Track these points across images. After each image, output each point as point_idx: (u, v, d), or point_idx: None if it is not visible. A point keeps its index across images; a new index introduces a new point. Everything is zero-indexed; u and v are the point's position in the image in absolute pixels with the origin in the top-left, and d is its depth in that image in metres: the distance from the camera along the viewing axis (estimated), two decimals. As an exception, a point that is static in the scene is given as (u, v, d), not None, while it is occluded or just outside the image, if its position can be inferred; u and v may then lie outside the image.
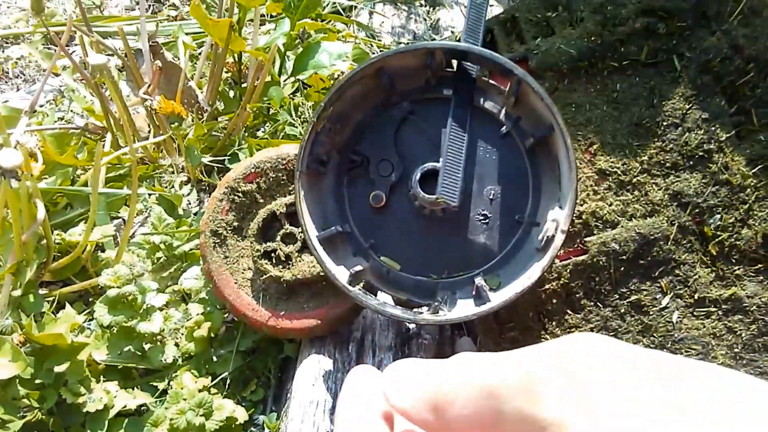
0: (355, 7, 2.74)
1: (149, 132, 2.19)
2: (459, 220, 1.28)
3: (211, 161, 2.04)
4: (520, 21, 1.37)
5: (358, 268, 1.24)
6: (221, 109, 2.26)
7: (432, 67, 1.22)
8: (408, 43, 2.45)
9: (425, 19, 2.69)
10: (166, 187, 2.05)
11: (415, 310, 1.23)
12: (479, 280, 1.22)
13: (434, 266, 1.30)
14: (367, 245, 1.31)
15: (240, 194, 1.51)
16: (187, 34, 2.45)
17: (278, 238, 1.51)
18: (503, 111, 1.26)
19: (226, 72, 2.46)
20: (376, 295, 1.27)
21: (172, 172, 2.10)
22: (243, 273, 1.52)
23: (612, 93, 1.30)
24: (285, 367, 1.70)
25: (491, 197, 1.26)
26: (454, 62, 1.27)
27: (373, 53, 2.52)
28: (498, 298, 1.16)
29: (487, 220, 1.27)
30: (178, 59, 2.37)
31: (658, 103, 1.28)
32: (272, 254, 1.51)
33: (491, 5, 2.79)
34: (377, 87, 1.27)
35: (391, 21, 2.66)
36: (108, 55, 2.10)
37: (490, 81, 1.27)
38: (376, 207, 1.29)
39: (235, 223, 1.52)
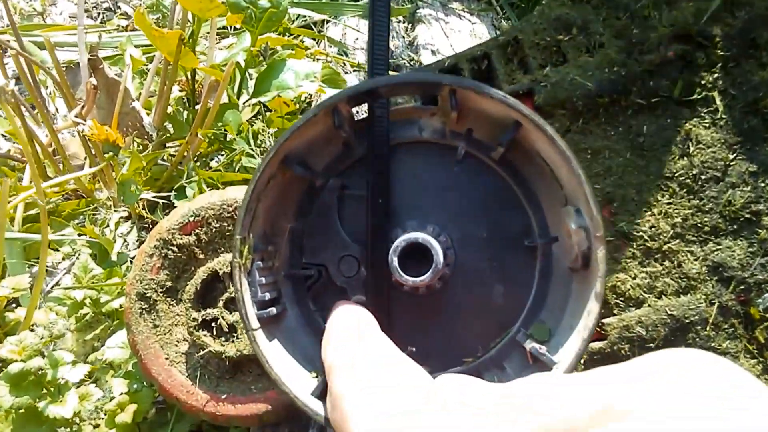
0: (327, 21, 2.48)
1: (85, 160, 1.91)
2: (466, 281, 1.02)
3: (155, 196, 1.76)
4: (524, 45, 1.11)
5: None
6: (171, 134, 1.98)
7: (343, 127, 0.97)
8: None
9: (403, 37, 2.44)
10: (102, 226, 1.77)
11: None
12: (525, 340, 0.96)
13: (463, 348, 1.04)
14: None
15: (175, 248, 1.24)
16: (137, 46, 2.18)
17: (220, 303, 1.24)
18: (448, 132, 1.02)
19: (180, 91, 2.19)
20: None
21: (110, 208, 1.81)
22: (176, 346, 1.24)
23: (637, 137, 1.05)
24: (231, 452, 1.43)
25: (485, 235, 1.02)
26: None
27: (346, 72, 2.27)
28: (565, 355, 0.89)
29: (494, 264, 1.02)
30: (124, 75, 2.09)
31: (695, 152, 1.04)
32: (212, 324, 1.24)
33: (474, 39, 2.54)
34: (291, 180, 1.02)
35: (366, 37, 2.40)
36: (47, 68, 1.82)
37: (414, 106, 1.03)
38: None
39: (168, 284, 1.25)
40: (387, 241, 1.01)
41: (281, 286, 1.05)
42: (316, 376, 1.00)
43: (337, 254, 1.04)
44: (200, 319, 1.23)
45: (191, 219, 1.24)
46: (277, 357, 0.95)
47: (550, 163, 0.94)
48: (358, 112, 1.40)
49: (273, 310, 0.97)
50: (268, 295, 0.97)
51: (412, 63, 2.31)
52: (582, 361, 1.01)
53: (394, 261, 0.92)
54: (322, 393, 0.95)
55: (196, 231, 1.24)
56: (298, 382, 0.94)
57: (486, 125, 0.99)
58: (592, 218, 0.85)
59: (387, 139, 1.02)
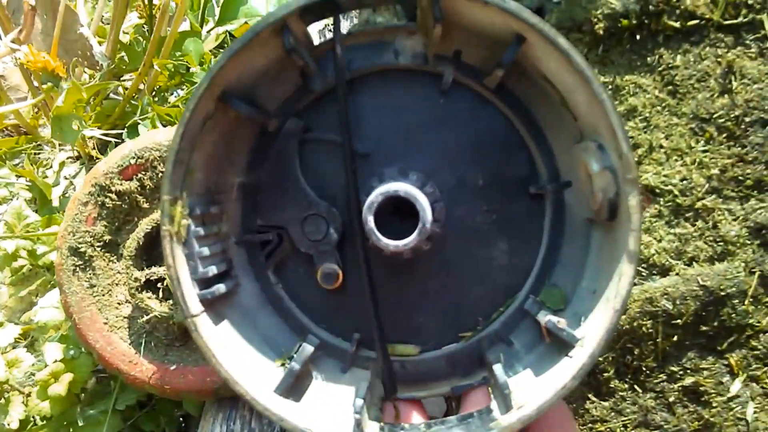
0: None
1: (28, 92, 1.69)
2: (460, 240, 0.85)
3: (105, 134, 1.55)
4: (535, -49, 0.91)
5: (363, 394, 0.78)
6: (127, 64, 1.76)
7: (297, 51, 0.75)
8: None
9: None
10: (45, 167, 1.57)
11: (475, 414, 0.77)
12: (535, 309, 0.80)
13: (460, 320, 0.87)
14: (354, 347, 0.86)
15: (114, 196, 1.05)
16: (90, -36, 1.94)
17: (168, 261, 1.05)
18: (430, 56, 0.83)
19: (139, 18, 1.97)
20: (400, 417, 0.83)
21: (55, 147, 1.61)
22: (117, 308, 1.06)
23: (669, 70, 0.87)
24: (188, 424, 1.27)
25: (482, 182, 0.85)
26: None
27: None
28: (590, 330, 0.71)
29: (494, 216, 0.85)
30: (74, -3, 1.85)
31: (738, 88, 0.85)
32: (158, 284, 1.06)
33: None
34: (237, 122, 0.81)
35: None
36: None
37: (387, 25, 0.83)
38: (333, 289, 0.84)
39: (107, 237, 1.06)
40: (358, 197, 0.82)
41: (232, 256, 0.85)
42: (282, 364, 0.82)
43: (300, 213, 0.84)
44: (143, 279, 1.04)
45: (133, 162, 1.04)
46: (228, 347, 0.76)
47: (561, 88, 0.75)
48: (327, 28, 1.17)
49: (221, 287, 0.78)
50: (214, 269, 0.78)
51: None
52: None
53: (370, 221, 0.73)
54: (289, 388, 0.77)
55: (139, 175, 1.05)
56: (256, 378, 0.76)
57: (479, 44, 0.79)
58: (621, 156, 0.66)
59: (342, 65, 0.82)
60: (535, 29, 0.68)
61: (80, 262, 1.05)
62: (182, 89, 1.71)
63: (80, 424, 1.14)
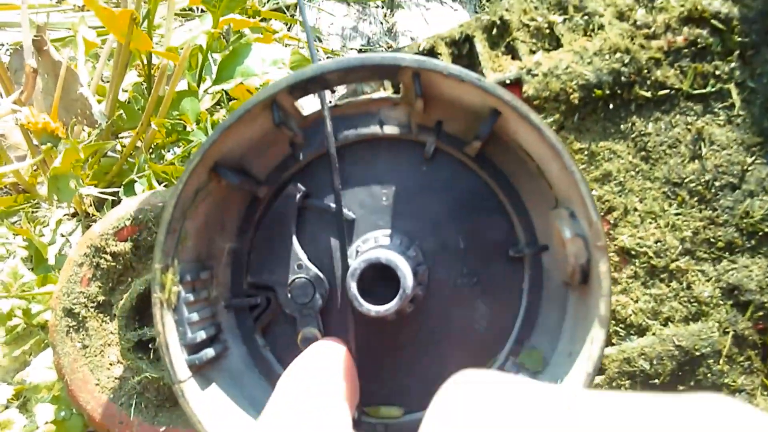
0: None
1: (27, 151, 1.73)
2: (442, 301, 0.87)
3: (102, 192, 1.59)
4: (511, 26, 0.96)
5: None
6: (125, 123, 1.80)
7: (287, 124, 0.80)
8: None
9: (381, 22, 2.28)
10: (42, 225, 1.59)
11: None
12: (515, 371, 0.84)
13: (443, 381, 0.87)
14: None
15: (109, 257, 1.07)
16: (92, 27, 2.00)
17: (160, 322, 1.08)
18: (414, 126, 0.87)
19: (139, 77, 2.02)
20: None
21: (52, 204, 1.64)
22: (108, 369, 1.08)
23: (641, 137, 0.90)
24: (178, 483, 1.27)
25: (463, 245, 0.88)
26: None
27: (319, 59, 2.10)
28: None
29: (475, 279, 0.88)
30: (75, 59, 1.91)
31: (708, 154, 0.89)
32: (150, 345, 1.08)
33: (455, 9, 2.41)
34: (228, 189, 0.85)
35: (342, 22, 2.24)
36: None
37: (372, 97, 0.88)
38: None
39: (101, 298, 1.08)
40: (344, 260, 0.85)
41: (221, 320, 0.88)
42: None
43: (288, 276, 0.88)
44: (135, 340, 1.06)
45: (128, 223, 1.07)
46: (214, 412, 0.78)
47: (536, 158, 0.79)
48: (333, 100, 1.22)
49: (209, 351, 0.80)
50: (203, 334, 0.80)
51: (389, 50, 2.15)
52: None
53: (353, 288, 0.76)
54: None
55: (134, 237, 1.08)
56: None
57: (459, 116, 0.83)
58: (591, 224, 0.70)
59: (331, 140, 0.86)
60: (508, 105, 0.72)
61: (74, 323, 1.07)
62: (179, 147, 1.75)
63: (71, 485, 1.15)
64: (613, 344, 0.90)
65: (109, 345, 1.09)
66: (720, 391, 0.88)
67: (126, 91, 1.93)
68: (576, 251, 0.73)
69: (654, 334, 0.89)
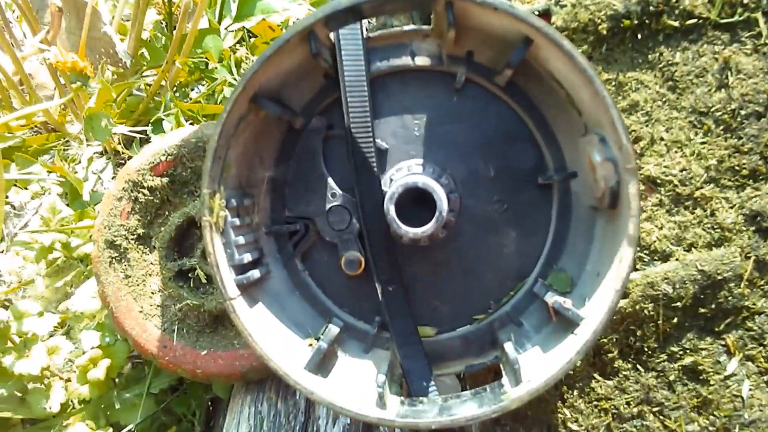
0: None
1: (55, 90, 1.76)
2: (473, 227, 0.92)
3: (131, 130, 1.62)
4: (541, -43, 0.96)
5: (384, 371, 0.85)
6: (148, 61, 1.82)
7: (322, 55, 0.83)
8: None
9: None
10: (74, 163, 1.63)
11: (487, 388, 0.84)
12: (544, 292, 0.87)
13: (474, 302, 0.94)
14: (375, 329, 0.94)
15: (146, 191, 1.12)
16: (110, -36, 2.00)
17: (198, 252, 1.13)
18: (444, 57, 0.89)
19: (158, 14, 2.02)
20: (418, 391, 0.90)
21: (82, 142, 1.68)
22: (151, 297, 1.14)
23: (669, 67, 0.92)
24: (216, 408, 1.34)
25: (493, 173, 0.92)
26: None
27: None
28: (593, 309, 0.78)
29: (505, 206, 0.92)
30: (96, -4, 1.92)
31: (734, 83, 0.91)
32: (189, 274, 1.13)
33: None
34: (267, 121, 0.88)
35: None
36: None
37: (404, 29, 0.90)
38: (355, 275, 0.91)
39: (140, 231, 1.13)
40: (378, 188, 0.88)
41: (263, 245, 0.93)
42: (310, 344, 0.89)
43: (324, 205, 0.92)
44: (176, 270, 1.12)
45: (163, 158, 1.11)
46: (262, 328, 0.84)
47: (566, 85, 0.81)
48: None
49: (255, 273, 0.86)
50: (248, 257, 0.85)
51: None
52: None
53: (391, 211, 0.80)
54: (317, 365, 0.85)
55: (170, 171, 1.12)
56: (288, 356, 0.84)
57: (490, 45, 0.86)
58: (621, 147, 0.73)
59: (364, 64, 0.88)
60: (540, 32, 0.74)
61: (116, 254, 1.12)
62: (203, 85, 1.77)
63: (117, 407, 1.22)
64: (637, 269, 0.94)
65: (150, 275, 1.14)
66: (740, 313, 0.92)
67: (147, 30, 1.94)
68: (606, 174, 0.76)
69: (677, 259, 0.93)
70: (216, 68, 1.67)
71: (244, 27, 1.78)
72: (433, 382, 0.87)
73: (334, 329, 0.90)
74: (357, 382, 0.85)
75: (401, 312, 0.89)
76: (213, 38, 1.67)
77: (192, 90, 1.81)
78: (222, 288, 0.80)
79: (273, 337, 0.84)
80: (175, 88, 1.72)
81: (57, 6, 1.58)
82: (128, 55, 1.73)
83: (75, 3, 1.73)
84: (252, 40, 1.81)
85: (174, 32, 1.71)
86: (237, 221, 0.84)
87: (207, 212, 0.79)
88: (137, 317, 1.12)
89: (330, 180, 0.91)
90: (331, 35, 0.87)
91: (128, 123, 1.66)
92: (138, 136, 1.62)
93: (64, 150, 1.67)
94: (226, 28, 1.80)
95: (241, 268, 0.85)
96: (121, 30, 1.86)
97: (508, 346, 0.82)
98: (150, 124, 1.58)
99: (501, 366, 0.86)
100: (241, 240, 0.84)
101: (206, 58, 1.67)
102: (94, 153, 1.70)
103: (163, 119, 1.58)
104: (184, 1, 1.72)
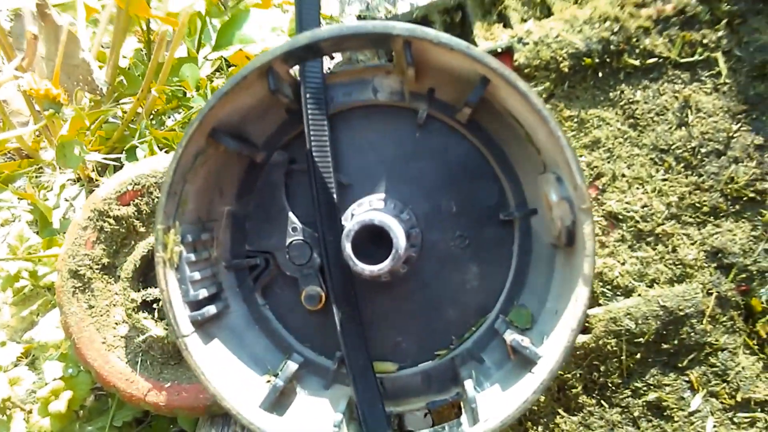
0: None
1: (30, 117, 1.75)
2: (435, 263, 0.92)
3: (105, 158, 1.61)
4: (504, -5, 0.98)
5: (342, 409, 0.85)
6: (125, 89, 1.82)
7: (282, 91, 0.83)
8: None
9: (383, -15, 2.27)
10: (46, 190, 1.63)
11: (446, 426, 0.83)
12: (504, 328, 0.87)
13: (436, 338, 0.94)
14: (336, 365, 0.94)
15: (112, 220, 1.11)
16: (91, -8, 2.00)
17: (163, 283, 1.12)
18: (406, 93, 0.90)
19: (138, 43, 2.03)
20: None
21: (56, 169, 1.67)
22: (114, 328, 1.13)
23: (630, 104, 0.94)
24: (182, 440, 1.32)
25: (456, 209, 0.92)
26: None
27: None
28: (550, 348, 0.78)
29: (467, 241, 0.92)
30: (76, 24, 1.93)
31: (694, 121, 0.92)
32: (154, 305, 1.12)
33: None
34: (227, 155, 0.88)
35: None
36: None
37: (367, 65, 0.91)
38: (316, 309, 0.91)
39: (105, 260, 1.12)
40: (339, 223, 0.89)
41: (222, 279, 0.92)
42: (268, 381, 0.88)
43: (285, 239, 0.91)
44: (140, 300, 1.11)
45: (130, 188, 1.11)
46: (217, 365, 0.83)
47: (524, 124, 0.82)
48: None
49: (211, 308, 0.85)
50: (205, 292, 0.85)
51: (388, 16, 2.15)
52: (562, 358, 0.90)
53: (347, 248, 0.80)
54: (273, 403, 0.84)
55: (136, 201, 1.11)
56: (243, 393, 0.83)
57: (450, 83, 0.86)
58: (575, 187, 0.73)
59: (324, 101, 0.88)
60: (496, 73, 0.75)
61: (79, 284, 1.11)
62: (179, 113, 1.78)
63: (79, 439, 1.20)
64: (600, 305, 0.94)
65: (114, 305, 1.13)
66: (703, 349, 0.92)
67: (126, 57, 1.95)
68: (562, 214, 0.76)
69: (639, 295, 0.93)
70: (192, 97, 1.68)
71: (222, 56, 1.79)
72: (385, 421, 0.86)
73: (292, 366, 0.89)
74: (315, 420, 0.84)
75: (357, 349, 0.89)
76: (190, 67, 1.68)
77: (168, 118, 1.81)
78: (174, 325, 0.80)
79: (229, 374, 0.83)
80: (151, 116, 1.72)
81: (32, 33, 1.59)
82: (106, 82, 1.74)
83: (54, 30, 1.73)
84: (230, 69, 1.82)
85: (151, 60, 1.72)
86: (193, 256, 0.83)
87: (161, 248, 0.79)
88: (100, 348, 1.11)
89: (291, 214, 0.91)
90: (292, 71, 0.87)
91: (103, 150, 1.65)
92: (112, 163, 1.61)
93: (36, 177, 1.66)
94: (204, 57, 1.80)
95: (196, 304, 0.84)
96: (101, 57, 1.87)
97: (468, 384, 0.82)
98: (124, 152, 1.58)
99: (461, 403, 0.86)
100: (197, 275, 0.84)
101: (183, 86, 1.68)
102: (68, 180, 1.69)
103: (137, 147, 1.58)
104: (161, 30, 1.73)
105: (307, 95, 0.87)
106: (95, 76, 1.73)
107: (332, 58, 1.14)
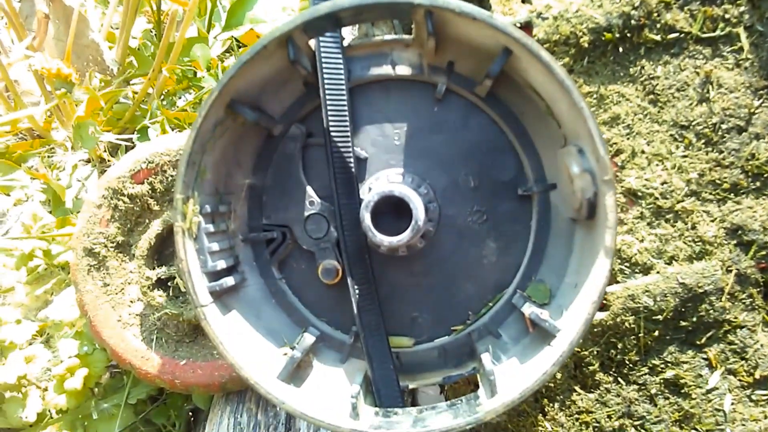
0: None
1: (41, 97, 1.75)
2: (453, 238, 0.92)
3: (118, 138, 1.61)
4: (523, -31, 0.97)
5: (359, 381, 0.85)
6: (136, 69, 1.82)
7: (301, 62, 0.82)
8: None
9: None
10: (58, 170, 1.63)
11: (463, 399, 0.83)
12: (522, 303, 0.87)
13: (452, 313, 0.94)
14: (352, 339, 0.94)
15: (126, 199, 1.11)
16: (100, -28, 2.00)
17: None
18: (425, 66, 0.89)
19: (148, 23, 2.03)
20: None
21: (67, 149, 1.67)
22: (130, 306, 1.13)
23: (650, 80, 0.92)
24: (197, 418, 1.33)
25: (473, 184, 0.92)
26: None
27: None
28: (569, 321, 0.78)
29: (484, 216, 0.92)
30: (85, 5, 1.92)
31: (715, 97, 0.91)
32: (169, 283, 1.12)
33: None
34: (245, 127, 0.88)
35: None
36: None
37: (385, 38, 0.90)
38: (332, 283, 0.91)
39: (120, 238, 1.12)
40: (356, 196, 0.88)
41: (239, 252, 0.92)
42: (285, 354, 0.88)
43: (302, 213, 0.91)
44: (155, 278, 1.11)
45: (144, 166, 1.11)
46: (235, 336, 0.83)
47: (545, 96, 0.81)
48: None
49: (229, 280, 0.85)
50: (223, 263, 0.85)
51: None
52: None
53: (366, 219, 0.80)
54: (291, 375, 0.84)
55: (150, 179, 1.11)
56: (262, 365, 0.83)
57: (470, 56, 0.86)
58: (598, 159, 0.73)
59: (343, 73, 0.88)
60: (519, 43, 0.74)
61: (94, 262, 1.12)
62: (190, 93, 1.77)
63: (94, 417, 1.21)
64: (618, 282, 0.94)
65: (129, 283, 1.13)
66: (722, 327, 0.92)
67: (136, 38, 1.94)
68: (583, 186, 0.76)
69: (658, 272, 0.93)
70: (203, 77, 1.67)
71: (232, 36, 1.78)
72: (399, 395, 0.87)
73: (309, 338, 0.89)
74: (332, 392, 0.85)
75: (374, 322, 0.89)
76: (201, 47, 1.67)
77: (179, 98, 1.81)
78: (193, 295, 0.80)
79: (246, 345, 0.83)
80: (162, 97, 1.72)
81: (44, 13, 1.58)
82: (116, 62, 1.73)
83: (63, 10, 1.73)
84: (240, 49, 1.81)
85: (161, 40, 1.71)
86: (211, 227, 0.83)
87: (180, 218, 0.79)
88: (115, 326, 1.11)
89: (308, 188, 0.90)
90: (311, 43, 0.87)
91: (114, 131, 1.65)
92: (124, 143, 1.61)
93: (49, 157, 1.66)
94: (215, 37, 1.80)
95: (214, 275, 0.84)
96: (111, 38, 1.86)
97: (485, 358, 0.82)
98: (136, 132, 1.58)
99: (478, 377, 0.86)
100: (215, 246, 0.84)
101: (194, 66, 1.67)
102: (80, 160, 1.69)
103: (149, 127, 1.58)
104: (171, 10, 1.72)
105: (324, 68, 0.86)
106: (105, 57, 1.72)
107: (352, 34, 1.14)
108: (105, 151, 1.66)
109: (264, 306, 0.93)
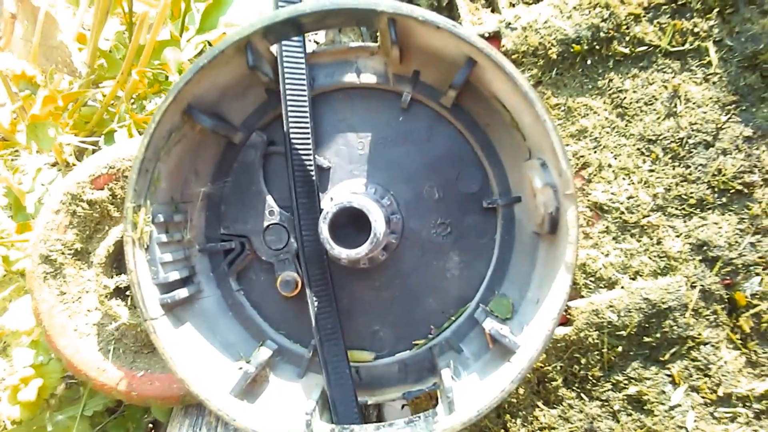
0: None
1: (7, 99, 1.72)
2: (416, 250, 0.91)
3: (83, 141, 1.59)
4: (491, -22, 0.96)
5: (316, 397, 0.83)
6: (106, 71, 1.80)
7: (261, 68, 0.81)
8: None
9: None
10: (22, 174, 1.60)
11: (421, 416, 0.81)
12: (484, 318, 0.86)
13: (414, 327, 0.93)
14: (311, 353, 0.92)
15: (85, 204, 1.09)
16: (72, -28, 1.97)
17: (137, 269, 1.10)
18: (390, 75, 0.88)
19: (121, 25, 2.01)
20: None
21: (30, 152, 1.64)
22: (86, 316, 1.10)
23: (618, 93, 0.92)
24: (156, 431, 1.31)
25: (438, 196, 0.91)
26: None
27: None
28: (530, 337, 0.77)
29: (448, 229, 0.91)
30: (55, 5, 1.89)
31: (683, 112, 0.91)
32: (127, 292, 1.10)
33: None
34: (203, 134, 0.86)
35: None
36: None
37: (350, 46, 0.89)
38: (291, 296, 0.90)
39: (78, 245, 1.10)
40: (317, 207, 0.87)
41: (195, 263, 0.90)
42: (240, 368, 0.87)
43: (261, 223, 0.90)
44: (113, 287, 1.08)
45: (104, 171, 1.08)
46: (186, 350, 0.81)
47: (510, 108, 0.80)
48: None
49: (183, 291, 0.83)
50: (176, 274, 0.83)
51: None
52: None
53: (324, 231, 0.78)
54: (244, 390, 0.82)
55: (111, 185, 1.09)
56: (213, 380, 0.81)
57: (436, 65, 0.85)
58: (560, 173, 0.72)
59: (306, 80, 0.87)
60: (483, 53, 0.73)
61: (51, 270, 1.09)
62: (160, 97, 1.75)
63: (49, 429, 1.18)
64: (582, 296, 0.93)
65: (86, 292, 1.11)
66: (686, 343, 0.91)
67: (108, 40, 1.92)
68: (546, 200, 0.75)
69: (622, 287, 0.92)
70: (174, 80, 1.65)
71: (206, 40, 1.76)
72: (357, 410, 0.85)
73: (265, 352, 0.87)
74: (287, 408, 0.83)
75: (331, 336, 0.87)
76: (172, 50, 1.65)
77: (149, 102, 1.79)
78: (142, 307, 0.78)
79: (199, 359, 0.82)
80: (132, 100, 1.70)
81: (11, 12, 1.56)
82: (85, 64, 1.71)
83: (31, 10, 1.70)
84: (209, 53, 1.79)
85: (131, 42, 1.69)
86: (164, 237, 0.82)
87: (130, 227, 0.77)
88: (71, 336, 1.09)
89: (269, 197, 0.89)
90: (273, 49, 0.85)
91: (82, 134, 1.63)
92: (90, 147, 1.59)
93: (12, 160, 1.63)
94: (187, 41, 1.78)
95: (166, 287, 0.82)
96: (82, 39, 1.84)
97: (445, 374, 0.81)
98: (102, 136, 1.55)
99: (438, 393, 0.85)
100: (169, 257, 0.82)
101: (164, 69, 1.65)
102: (45, 164, 1.66)
103: (116, 131, 1.55)
104: (142, 12, 1.70)
105: (285, 74, 0.85)
106: (74, 58, 1.70)
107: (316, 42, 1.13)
108: (71, 154, 1.63)
109: (220, 318, 0.91)
